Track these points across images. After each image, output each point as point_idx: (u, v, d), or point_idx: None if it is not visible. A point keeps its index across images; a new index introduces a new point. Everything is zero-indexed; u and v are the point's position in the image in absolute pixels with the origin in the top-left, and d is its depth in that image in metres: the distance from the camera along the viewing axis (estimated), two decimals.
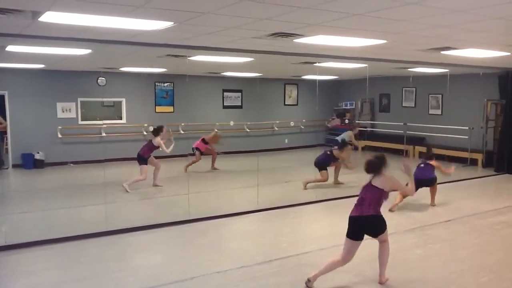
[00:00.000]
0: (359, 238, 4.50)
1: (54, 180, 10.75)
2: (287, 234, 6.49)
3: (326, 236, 6.25)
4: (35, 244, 5.83)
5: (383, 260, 4.69)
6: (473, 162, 12.31)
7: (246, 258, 5.38)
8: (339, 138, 11.87)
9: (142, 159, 9.21)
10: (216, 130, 11.96)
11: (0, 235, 6.06)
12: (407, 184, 4.74)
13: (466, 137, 12.26)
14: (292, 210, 7.76)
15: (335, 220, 6.88)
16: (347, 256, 4.52)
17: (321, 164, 9.35)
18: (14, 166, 11.88)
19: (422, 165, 8.02)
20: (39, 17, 4.67)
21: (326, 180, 9.31)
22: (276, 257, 5.39)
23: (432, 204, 8.05)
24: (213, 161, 11.76)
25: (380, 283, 4.65)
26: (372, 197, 4.52)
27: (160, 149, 9.35)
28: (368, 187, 4.58)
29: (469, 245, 5.94)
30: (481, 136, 12.15)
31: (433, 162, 7.99)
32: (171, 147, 9.56)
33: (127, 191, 8.85)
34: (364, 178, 4.71)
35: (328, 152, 9.47)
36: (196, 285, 4.67)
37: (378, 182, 4.54)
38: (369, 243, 5.85)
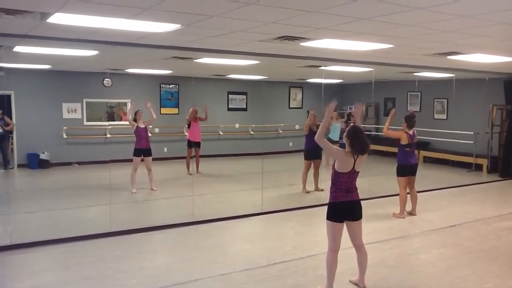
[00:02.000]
0: (343, 220, 4.42)
1: (59, 181, 10.79)
2: (291, 237, 6.49)
3: None
4: (40, 244, 5.86)
5: (365, 265, 4.60)
6: (478, 168, 12.28)
7: (250, 261, 5.38)
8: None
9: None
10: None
11: (5, 234, 6.10)
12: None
13: (471, 142, 12.23)
14: (296, 213, 7.75)
15: None
16: (337, 243, 4.43)
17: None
18: (20, 166, 11.93)
19: (408, 149, 7.41)
20: (47, 19, 4.69)
21: (307, 169, 9.31)
22: (280, 260, 5.39)
23: (414, 213, 7.63)
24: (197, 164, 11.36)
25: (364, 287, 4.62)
26: (355, 182, 4.45)
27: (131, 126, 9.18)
28: (354, 174, 4.38)
29: (474, 251, 5.92)
30: (486, 141, 12.11)
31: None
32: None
33: (133, 192, 8.91)
34: None
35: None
36: (199, 287, 4.68)
37: (360, 166, 4.37)
38: (374, 247, 5.86)
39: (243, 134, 15.11)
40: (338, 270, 4.47)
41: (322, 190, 9.18)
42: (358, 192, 4.45)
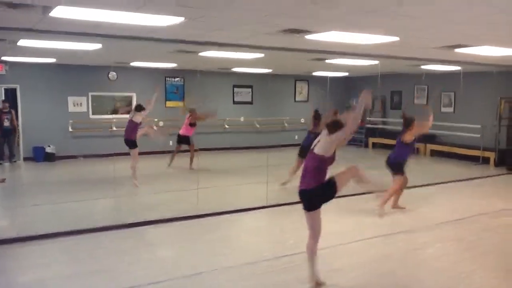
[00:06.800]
0: (312, 208, 4.43)
1: (65, 174, 10.83)
2: (296, 231, 6.44)
3: (334, 233, 6.20)
4: (47, 236, 5.87)
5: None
6: (486, 161, 12.19)
7: (255, 254, 5.38)
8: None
9: (130, 142, 9.07)
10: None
11: (12, 227, 6.13)
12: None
13: (479, 135, 12.14)
14: (301, 206, 7.70)
15: (343, 217, 6.85)
16: (313, 230, 4.51)
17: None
18: (25, 159, 12.00)
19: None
20: (49, 12, 4.67)
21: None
22: (285, 254, 5.38)
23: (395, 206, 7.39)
24: (191, 159, 11.01)
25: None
26: (312, 166, 4.32)
27: (143, 131, 9.20)
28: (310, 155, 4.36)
29: (480, 245, 5.87)
30: (493, 134, 12.02)
31: (411, 132, 7.19)
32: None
33: (136, 186, 8.90)
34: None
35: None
36: (205, 280, 4.68)
37: (317, 147, 4.29)
38: (378, 242, 5.82)
39: (248, 128, 15.08)
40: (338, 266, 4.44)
41: None
42: (314, 179, 4.31)
